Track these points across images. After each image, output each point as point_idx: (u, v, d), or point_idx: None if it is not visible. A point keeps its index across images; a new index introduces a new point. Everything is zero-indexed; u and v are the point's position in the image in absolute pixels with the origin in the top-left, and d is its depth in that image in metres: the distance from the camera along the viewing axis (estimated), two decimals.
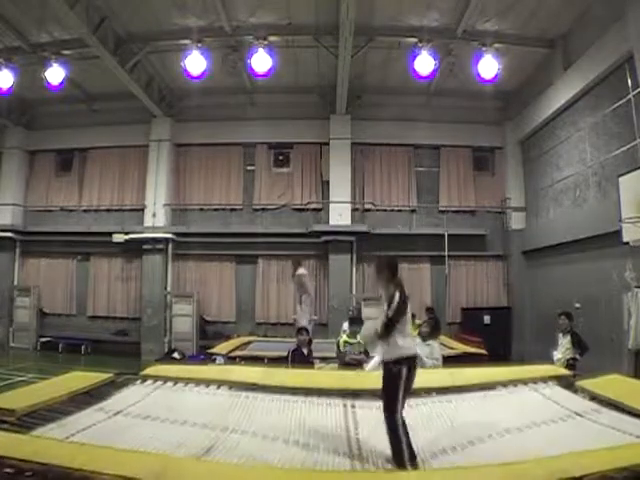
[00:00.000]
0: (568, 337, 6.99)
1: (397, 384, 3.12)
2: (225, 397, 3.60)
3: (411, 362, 3.26)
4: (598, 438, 2.57)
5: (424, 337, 6.08)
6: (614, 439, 2.52)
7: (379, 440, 2.82)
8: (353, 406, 3.51)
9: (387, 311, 3.35)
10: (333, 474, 2.23)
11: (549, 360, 7.01)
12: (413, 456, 2.97)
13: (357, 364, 6.05)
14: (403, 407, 3.15)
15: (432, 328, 6.22)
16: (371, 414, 3.39)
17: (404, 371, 3.16)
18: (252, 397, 3.53)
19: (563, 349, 7.00)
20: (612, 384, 3.42)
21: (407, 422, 3.09)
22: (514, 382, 3.85)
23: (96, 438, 2.51)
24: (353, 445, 2.71)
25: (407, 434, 3.03)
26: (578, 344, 6.93)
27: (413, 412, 3.41)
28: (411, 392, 3.30)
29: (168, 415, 3.01)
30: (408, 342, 3.33)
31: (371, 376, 4.68)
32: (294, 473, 2.19)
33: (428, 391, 3.75)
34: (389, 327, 3.29)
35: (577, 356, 6.84)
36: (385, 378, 3.21)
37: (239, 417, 3.15)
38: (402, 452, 2.94)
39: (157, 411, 3.09)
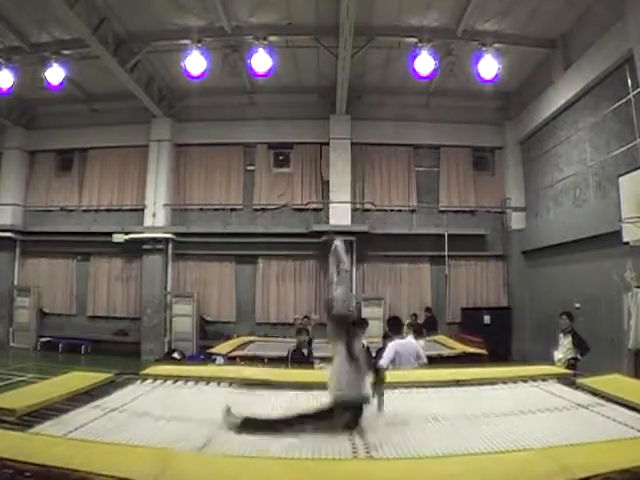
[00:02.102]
0: (569, 337, 7.00)
1: (321, 420, 2.78)
2: (224, 393, 3.61)
3: (357, 405, 2.88)
4: (601, 430, 2.57)
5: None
6: (618, 432, 2.52)
7: (382, 428, 2.82)
8: None
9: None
10: (333, 462, 2.22)
11: (549, 360, 7.01)
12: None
13: None
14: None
15: (414, 328, 6.22)
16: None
17: (347, 415, 2.80)
18: (251, 393, 3.54)
19: (564, 349, 7.02)
20: (613, 383, 3.42)
21: (399, 406, 3.06)
22: (514, 379, 3.85)
23: (94, 434, 2.51)
24: (356, 438, 2.71)
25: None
26: (579, 344, 6.94)
27: (404, 398, 3.42)
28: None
29: (165, 411, 3.02)
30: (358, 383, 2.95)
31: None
32: (293, 463, 2.18)
33: (423, 384, 3.75)
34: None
35: (578, 356, 6.86)
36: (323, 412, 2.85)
37: (238, 410, 3.16)
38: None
39: (155, 407, 3.09)
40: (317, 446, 2.44)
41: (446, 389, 3.63)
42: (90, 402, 3.13)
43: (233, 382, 3.77)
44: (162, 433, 2.59)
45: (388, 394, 3.51)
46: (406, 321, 11.81)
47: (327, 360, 6.90)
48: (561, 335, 7.16)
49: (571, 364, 6.65)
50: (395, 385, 3.73)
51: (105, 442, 2.32)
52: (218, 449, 2.38)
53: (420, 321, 12.19)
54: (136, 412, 2.99)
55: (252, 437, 2.59)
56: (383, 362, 5.42)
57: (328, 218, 13.67)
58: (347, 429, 2.78)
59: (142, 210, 14.27)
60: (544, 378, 3.87)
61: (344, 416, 2.83)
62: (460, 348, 8.19)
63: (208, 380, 3.86)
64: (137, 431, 2.61)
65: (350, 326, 3.13)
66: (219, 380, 3.85)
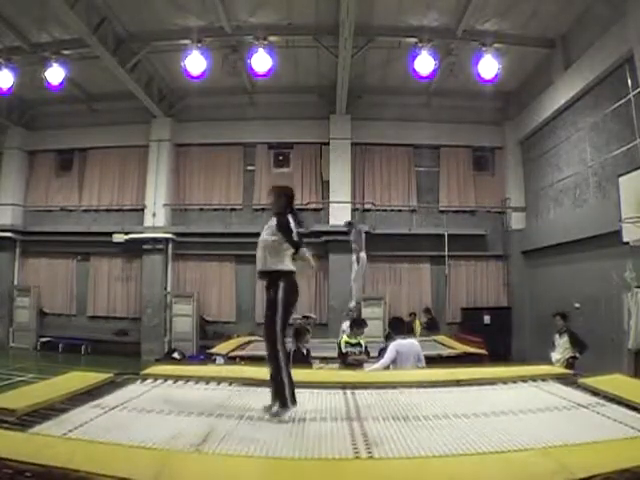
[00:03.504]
0: (565, 337, 6.99)
1: (275, 299, 3.16)
2: (224, 391, 3.62)
3: (290, 277, 3.28)
4: (601, 429, 2.58)
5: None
6: (618, 432, 2.52)
7: (381, 424, 2.83)
8: (353, 393, 3.52)
9: (275, 237, 3.39)
10: (334, 462, 2.23)
11: (549, 360, 7.00)
12: (294, 400, 3.01)
13: (358, 364, 6.05)
14: (286, 324, 3.16)
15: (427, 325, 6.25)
16: (371, 398, 3.41)
17: (281, 285, 3.19)
18: (252, 390, 3.55)
19: (562, 349, 7.00)
20: (614, 383, 3.43)
21: (399, 406, 3.09)
22: (514, 379, 3.86)
23: (94, 433, 2.52)
24: (355, 430, 2.71)
25: (289, 373, 3.04)
26: (576, 343, 6.94)
27: (406, 397, 3.43)
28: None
29: (164, 407, 3.03)
30: (288, 259, 3.37)
31: (371, 375, 4.70)
32: (293, 463, 2.18)
33: (424, 384, 3.76)
34: (299, 242, 3.36)
35: (577, 354, 6.85)
36: (267, 298, 3.26)
37: (237, 405, 3.17)
38: (284, 390, 2.97)
39: (154, 405, 3.10)
40: (318, 445, 2.44)
41: (446, 389, 3.64)
42: (88, 401, 3.13)
43: (233, 382, 3.78)
44: (161, 431, 2.59)
45: (389, 394, 3.52)
46: (417, 320, 11.86)
47: (326, 360, 6.93)
48: (557, 336, 7.15)
49: (570, 363, 6.65)
50: (395, 385, 3.73)
51: (105, 442, 2.32)
52: (216, 446, 2.39)
53: (421, 323, 12.23)
54: (136, 410, 3.00)
55: (251, 433, 2.59)
56: (384, 362, 5.43)
57: (328, 218, 13.66)
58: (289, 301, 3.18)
59: (142, 210, 14.27)
60: (544, 378, 3.87)
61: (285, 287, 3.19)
62: (460, 348, 8.18)
63: (208, 380, 3.87)
64: (137, 429, 2.61)
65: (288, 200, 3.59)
66: (219, 380, 3.85)
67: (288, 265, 3.35)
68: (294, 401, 3.04)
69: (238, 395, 3.45)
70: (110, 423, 2.71)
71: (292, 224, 3.42)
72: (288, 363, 3.10)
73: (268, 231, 3.45)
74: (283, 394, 3.00)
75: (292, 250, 3.40)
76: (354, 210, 13.89)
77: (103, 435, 2.48)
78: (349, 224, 9.92)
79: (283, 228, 3.35)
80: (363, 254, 9.27)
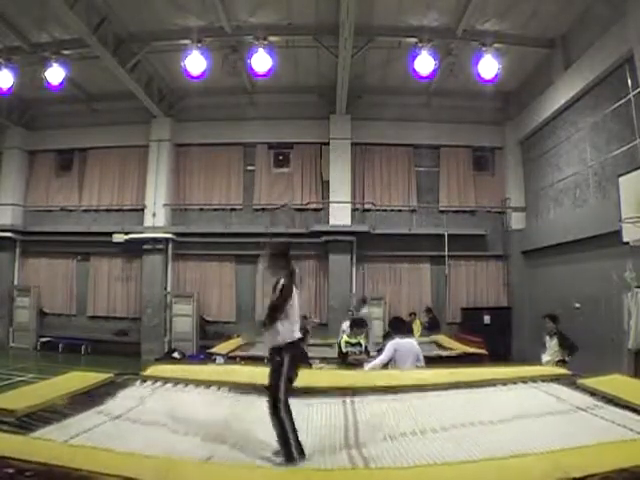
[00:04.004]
0: (555, 339, 6.91)
1: (279, 372, 3.12)
2: (225, 400, 3.60)
3: (292, 348, 3.23)
4: (600, 432, 2.57)
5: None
6: (616, 434, 2.52)
7: (380, 436, 2.82)
8: (352, 402, 3.51)
9: (272, 297, 3.32)
10: (333, 472, 2.22)
11: (541, 361, 6.97)
12: (302, 452, 2.94)
13: (358, 364, 6.05)
14: (287, 397, 3.11)
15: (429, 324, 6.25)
16: (371, 408, 3.40)
17: (286, 358, 3.15)
18: (251, 400, 3.53)
19: (551, 351, 6.92)
20: (613, 383, 3.42)
21: (399, 412, 3.09)
22: (514, 380, 3.85)
23: (96, 441, 2.50)
24: (351, 441, 2.71)
25: (294, 428, 3.01)
26: (566, 345, 6.83)
27: (405, 405, 3.42)
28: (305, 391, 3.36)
29: (168, 421, 3.01)
30: (287, 328, 3.26)
31: (372, 375, 4.70)
32: (295, 473, 2.18)
33: (424, 385, 3.75)
34: (273, 313, 3.25)
35: (566, 358, 6.73)
36: (270, 368, 3.21)
37: (239, 424, 3.15)
38: (289, 446, 2.93)
39: (157, 416, 3.08)
40: (317, 458, 2.43)
41: (445, 393, 3.62)
42: (90, 406, 3.12)
43: (232, 388, 3.75)
44: (163, 446, 2.57)
45: (388, 401, 3.50)
46: (417, 320, 11.86)
47: (326, 360, 6.93)
48: (547, 338, 7.06)
49: (559, 367, 6.58)
50: (395, 390, 3.72)
51: (106, 449, 2.31)
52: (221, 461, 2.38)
53: (421, 322, 12.23)
54: (138, 422, 2.97)
55: (253, 448, 2.59)
56: (382, 359, 5.43)
57: (328, 218, 13.67)
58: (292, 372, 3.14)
59: (142, 210, 14.27)
60: (544, 379, 3.87)
61: (289, 359, 3.15)
62: (460, 348, 8.18)
63: (208, 384, 3.84)
64: (138, 445, 2.58)
65: (286, 254, 3.48)
66: (219, 384, 3.83)
67: (292, 335, 3.29)
68: (301, 453, 2.96)
69: (239, 407, 3.42)
70: (112, 435, 2.70)
71: (292, 298, 3.33)
72: (292, 422, 3.04)
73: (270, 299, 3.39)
74: (290, 452, 2.94)
75: (297, 316, 3.38)
76: (354, 210, 13.88)
77: (104, 444, 2.47)
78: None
79: (282, 293, 3.29)
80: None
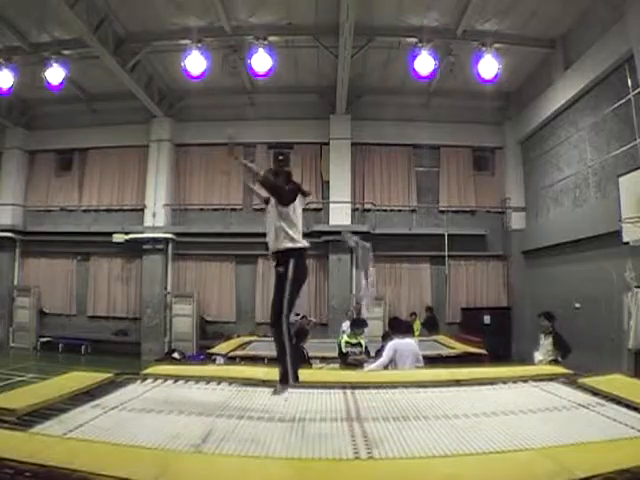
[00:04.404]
0: (550, 338, 6.75)
1: (283, 285, 3.11)
2: (225, 391, 3.62)
3: (297, 255, 3.22)
4: (602, 429, 2.57)
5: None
6: (618, 432, 2.52)
7: (383, 417, 2.83)
8: (353, 393, 3.52)
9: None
10: (334, 462, 2.22)
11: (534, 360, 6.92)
12: (296, 377, 3.05)
13: (358, 364, 6.06)
14: (293, 304, 3.13)
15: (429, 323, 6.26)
16: (371, 397, 3.41)
17: (291, 264, 3.13)
18: (252, 390, 3.55)
19: (544, 350, 6.78)
20: (614, 383, 3.43)
21: (399, 406, 3.09)
22: (514, 379, 3.85)
23: (94, 433, 2.51)
24: (355, 430, 2.71)
25: (292, 351, 3.07)
26: (560, 346, 6.69)
27: (406, 397, 3.43)
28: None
29: (164, 407, 3.03)
30: (294, 232, 3.29)
31: (371, 375, 4.70)
32: (294, 463, 2.18)
33: (424, 384, 3.76)
34: (278, 190, 3.25)
35: (559, 358, 6.57)
36: (276, 275, 3.21)
37: (236, 405, 3.18)
38: (286, 366, 3.01)
39: (154, 405, 3.10)
40: (318, 446, 2.44)
41: (446, 389, 3.63)
42: (88, 401, 3.13)
43: (233, 382, 3.78)
44: (161, 431, 2.59)
45: (388, 393, 3.52)
46: (417, 320, 11.88)
47: (326, 360, 6.94)
48: (542, 336, 6.92)
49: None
50: (395, 385, 3.73)
51: (105, 442, 2.32)
52: (217, 446, 2.39)
53: (420, 320, 12.25)
54: (136, 410, 3.00)
55: (251, 433, 2.60)
56: (383, 360, 5.43)
57: (328, 218, 13.66)
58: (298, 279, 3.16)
59: (142, 210, 14.28)
60: (544, 378, 3.87)
61: (295, 265, 3.16)
62: (460, 348, 8.19)
63: (208, 380, 3.87)
64: (137, 430, 2.61)
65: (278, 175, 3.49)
66: (219, 380, 3.85)
67: (298, 242, 3.29)
68: (296, 379, 3.07)
69: (238, 395, 3.45)
70: (110, 423, 2.71)
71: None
72: (291, 342, 3.11)
73: (273, 211, 3.38)
74: (285, 371, 3.05)
75: (300, 226, 3.35)
76: (354, 210, 13.89)
77: (103, 435, 2.48)
78: (350, 237, 9.92)
79: (268, 187, 3.28)
80: (372, 270, 9.35)
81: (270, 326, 3.17)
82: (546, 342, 6.79)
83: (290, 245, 3.21)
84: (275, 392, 3.17)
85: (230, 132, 3.77)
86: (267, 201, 3.56)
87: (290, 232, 3.22)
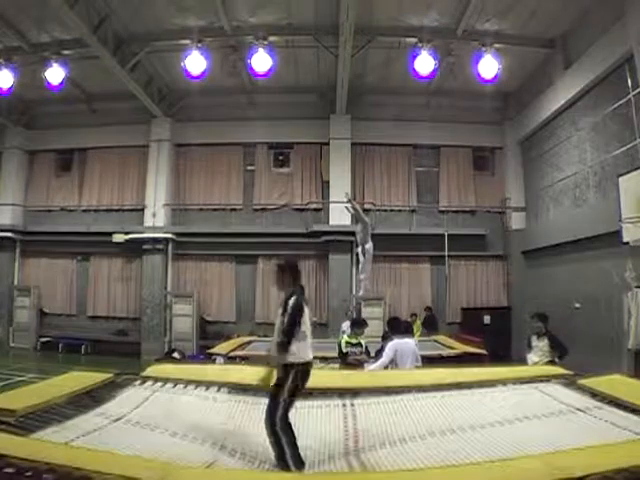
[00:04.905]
0: (545, 340, 6.57)
1: (281, 389, 3.06)
2: (225, 402, 3.59)
3: (301, 368, 3.15)
4: (599, 434, 2.57)
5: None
6: (615, 435, 2.52)
7: (380, 442, 2.82)
8: (352, 404, 3.51)
9: (283, 320, 3.20)
10: (331, 476, 2.22)
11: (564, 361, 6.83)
12: (301, 464, 2.84)
13: (359, 364, 6.05)
14: (288, 410, 3.05)
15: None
16: (371, 409, 3.40)
17: (290, 376, 3.08)
18: (252, 402, 3.52)
19: (540, 352, 6.58)
20: (613, 383, 3.42)
21: (399, 415, 3.07)
22: (513, 380, 3.85)
23: (96, 444, 2.50)
24: (350, 448, 2.70)
25: (293, 442, 2.92)
26: (557, 347, 6.53)
27: (405, 408, 3.42)
28: (302, 394, 3.25)
29: (169, 424, 3.00)
30: (299, 347, 3.17)
31: (372, 376, 4.70)
32: (293, 478, 2.18)
33: (424, 385, 3.74)
34: (286, 339, 3.13)
35: (556, 359, 6.42)
36: (275, 382, 3.13)
37: (239, 428, 3.15)
38: (286, 461, 2.83)
39: (157, 419, 3.07)
40: (316, 461, 2.43)
41: (447, 391, 3.62)
42: (91, 407, 3.11)
43: (232, 390, 3.75)
44: (165, 450, 2.56)
45: (389, 403, 3.50)
46: (418, 320, 11.87)
47: (327, 360, 6.93)
48: (534, 337, 6.72)
49: None
50: (396, 390, 3.71)
51: (106, 451, 2.31)
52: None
53: (420, 320, 12.25)
54: (139, 425, 2.96)
55: (255, 450, 2.57)
56: (384, 361, 5.43)
57: (328, 218, 13.66)
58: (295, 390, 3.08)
59: (142, 210, 14.27)
60: (544, 379, 3.86)
61: (294, 378, 3.08)
62: (460, 348, 8.18)
63: (208, 385, 3.83)
64: (139, 449, 2.57)
65: (296, 270, 3.39)
66: (219, 385, 3.82)
67: (303, 355, 3.20)
68: (300, 465, 2.84)
69: (239, 409, 3.41)
70: (112, 437, 2.69)
71: (302, 316, 3.23)
72: (290, 436, 2.97)
73: (280, 319, 3.27)
74: (286, 466, 2.84)
75: (309, 334, 3.28)
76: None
77: (104, 446, 2.46)
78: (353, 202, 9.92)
79: (292, 315, 3.17)
80: (369, 245, 9.27)
81: (265, 425, 3.04)
82: (541, 344, 6.60)
83: (297, 361, 3.16)
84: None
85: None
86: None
87: (293, 348, 3.15)
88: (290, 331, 3.14)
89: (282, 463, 2.85)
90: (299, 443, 2.96)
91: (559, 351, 6.53)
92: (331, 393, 3.68)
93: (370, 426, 3.14)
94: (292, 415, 3.13)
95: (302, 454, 2.91)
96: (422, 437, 2.84)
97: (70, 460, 1.99)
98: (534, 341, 6.73)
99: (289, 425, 3.03)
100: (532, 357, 6.65)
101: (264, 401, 3.37)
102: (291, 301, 3.21)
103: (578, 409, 3.07)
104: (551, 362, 6.36)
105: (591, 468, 1.87)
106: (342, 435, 3.03)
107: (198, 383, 3.86)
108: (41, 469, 1.91)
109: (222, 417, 3.31)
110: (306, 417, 3.28)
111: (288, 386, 3.08)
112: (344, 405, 3.50)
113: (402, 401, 3.52)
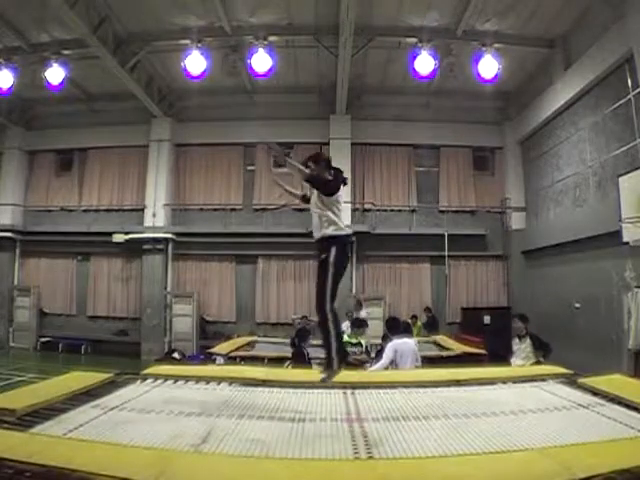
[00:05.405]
0: (527, 340, 6.57)
1: (325, 274, 3.18)
2: (225, 391, 3.62)
3: (341, 242, 3.28)
4: (602, 429, 2.57)
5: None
6: (619, 432, 2.52)
7: (381, 424, 2.83)
8: (353, 393, 3.53)
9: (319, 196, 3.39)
10: (333, 463, 2.22)
11: (548, 360, 6.87)
12: (343, 359, 3.09)
13: (359, 364, 6.06)
14: (334, 297, 3.19)
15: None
16: (371, 397, 3.41)
17: (333, 251, 3.19)
18: (252, 390, 3.55)
19: (523, 354, 6.55)
20: (614, 383, 3.42)
21: (399, 406, 3.09)
22: (514, 379, 3.85)
23: (94, 434, 2.51)
24: (355, 430, 2.71)
25: (339, 336, 3.11)
26: (540, 347, 6.51)
27: (406, 397, 3.43)
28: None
29: (164, 407, 3.03)
30: (340, 219, 3.36)
31: (371, 375, 4.70)
32: (294, 463, 2.18)
33: (423, 384, 3.75)
34: (322, 181, 3.30)
35: (541, 359, 6.39)
36: (317, 268, 3.27)
37: (237, 404, 3.18)
38: (331, 353, 3.05)
39: (153, 405, 3.10)
40: (318, 446, 2.44)
41: (446, 389, 3.63)
42: (88, 402, 3.13)
43: (233, 382, 3.78)
44: (161, 431, 2.60)
45: (389, 393, 3.52)
46: (418, 322, 11.86)
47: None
48: (516, 340, 6.72)
49: None
50: (395, 385, 3.73)
51: (105, 442, 2.32)
52: (217, 446, 2.39)
53: (421, 321, 12.25)
54: (135, 410, 3.00)
55: (250, 433, 2.60)
56: (384, 362, 5.43)
57: None
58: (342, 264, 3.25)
59: (142, 210, 14.28)
60: (544, 378, 3.87)
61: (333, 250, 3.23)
62: (460, 348, 8.19)
63: (208, 380, 3.87)
64: (136, 430, 2.61)
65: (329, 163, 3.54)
66: (219, 380, 3.85)
67: (341, 230, 3.35)
68: (341, 364, 3.08)
69: (238, 395, 3.45)
70: (110, 423, 2.71)
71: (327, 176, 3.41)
72: (337, 328, 3.15)
73: (316, 201, 3.44)
74: (329, 356, 3.09)
75: (340, 213, 3.41)
76: (354, 210, 13.88)
77: (103, 435, 2.48)
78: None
79: (317, 182, 3.34)
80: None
81: (316, 310, 3.26)
82: (523, 345, 6.57)
83: (334, 232, 3.28)
84: (323, 380, 3.21)
85: (270, 144, 3.79)
86: (306, 200, 3.66)
87: (335, 219, 3.31)
88: (330, 184, 3.30)
89: (327, 356, 3.04)
90: (303, 422, 2.96)
91: (542, 350, 6.49)
92: (331, 387, 3.70)
93: (371, 405, 3.19)
94: (289, 397, 3.21)
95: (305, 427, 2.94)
96: (425, 418, 2.87)
97: (69, 456, 2.00)
98: (515, 344, 6.67)
99: (336, 316, 3.16)
100: (516, 361, 6.56)
101: (266, 389, 3.39)
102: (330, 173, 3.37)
103: (580, 405, 3.07)
104: (537, 363, 6.26)
105: (594, 466, 1.87)
106: (344, 412, 3.05)
107: (198, 379, 3.89)
108: (41, 470, 1.91)
109: (220, 399, 3.34)
110: (306, 400, 3.30)
111: (333, 260, 3.19)
112: (344, 393, 3.54)
113: (403, 392, 3.54)
